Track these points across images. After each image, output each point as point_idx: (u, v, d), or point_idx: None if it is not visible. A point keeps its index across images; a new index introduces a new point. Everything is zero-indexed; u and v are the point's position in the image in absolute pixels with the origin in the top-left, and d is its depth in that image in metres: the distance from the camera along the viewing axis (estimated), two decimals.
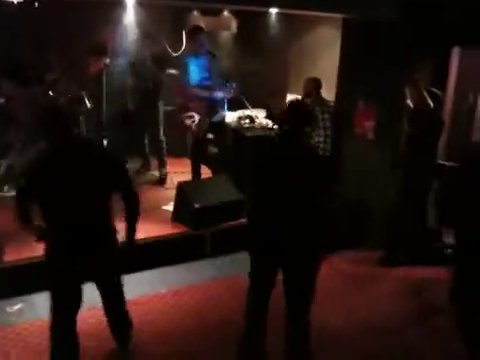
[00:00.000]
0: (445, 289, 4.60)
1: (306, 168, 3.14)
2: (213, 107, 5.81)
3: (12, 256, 4.27)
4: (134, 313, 3.56)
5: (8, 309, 3.98)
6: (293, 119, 3.15)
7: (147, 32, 6.25)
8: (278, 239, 3.11)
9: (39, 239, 3.02)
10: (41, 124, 2.98)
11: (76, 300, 3.07)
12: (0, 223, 4.35)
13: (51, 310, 3.03)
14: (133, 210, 3.16)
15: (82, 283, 3.06)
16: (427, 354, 3.77)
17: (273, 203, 3.12)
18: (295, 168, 3.10)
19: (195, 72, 5.76)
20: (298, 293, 3.23)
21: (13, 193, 3.13)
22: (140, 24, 6.58)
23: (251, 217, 3.30)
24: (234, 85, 5.85)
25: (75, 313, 3.08)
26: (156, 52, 6.11)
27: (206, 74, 5.72)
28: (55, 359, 3.05)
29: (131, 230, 3.18)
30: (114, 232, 3.12)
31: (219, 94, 5.78)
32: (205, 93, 5.73)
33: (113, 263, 3.17)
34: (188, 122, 5.81)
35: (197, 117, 5.79)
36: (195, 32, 5.76)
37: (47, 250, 3.01)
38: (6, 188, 5.46)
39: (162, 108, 6.33)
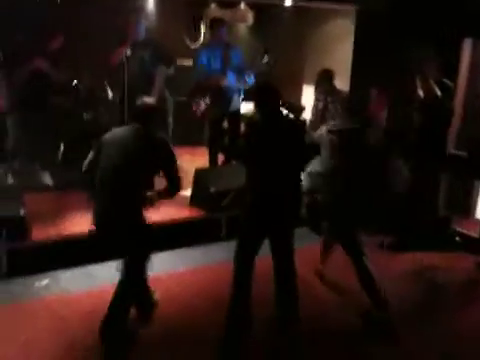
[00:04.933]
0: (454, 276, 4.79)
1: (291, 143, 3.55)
2: (226, 96, 5.89)
3: (39, 235, 4.52)
4: (156, 288, 3.88)
5: (36, 284, 4.22)
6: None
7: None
8: (267, 204, 3.48)
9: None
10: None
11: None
12: (29, 206, 4.55)
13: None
14: None
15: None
16: (433, 341, 3.82)
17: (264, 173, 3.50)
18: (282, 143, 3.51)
19: (209, 62, 5.82)
20: (283, 247, 3.59)
21: None
22: (159, 17, 6.77)
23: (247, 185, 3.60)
24: (252, 76, 5.87)
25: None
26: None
27: (219, 65, 5.79)
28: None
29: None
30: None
31: (233, 83, 5.85)
32: (218, 82, 5.79)
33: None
34: (194, 108, 5.94)
35: (203, 104, 5.93)
36: (218, 24, 5.91)
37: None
38: None
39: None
